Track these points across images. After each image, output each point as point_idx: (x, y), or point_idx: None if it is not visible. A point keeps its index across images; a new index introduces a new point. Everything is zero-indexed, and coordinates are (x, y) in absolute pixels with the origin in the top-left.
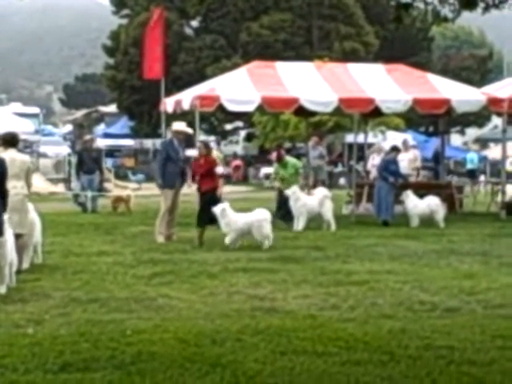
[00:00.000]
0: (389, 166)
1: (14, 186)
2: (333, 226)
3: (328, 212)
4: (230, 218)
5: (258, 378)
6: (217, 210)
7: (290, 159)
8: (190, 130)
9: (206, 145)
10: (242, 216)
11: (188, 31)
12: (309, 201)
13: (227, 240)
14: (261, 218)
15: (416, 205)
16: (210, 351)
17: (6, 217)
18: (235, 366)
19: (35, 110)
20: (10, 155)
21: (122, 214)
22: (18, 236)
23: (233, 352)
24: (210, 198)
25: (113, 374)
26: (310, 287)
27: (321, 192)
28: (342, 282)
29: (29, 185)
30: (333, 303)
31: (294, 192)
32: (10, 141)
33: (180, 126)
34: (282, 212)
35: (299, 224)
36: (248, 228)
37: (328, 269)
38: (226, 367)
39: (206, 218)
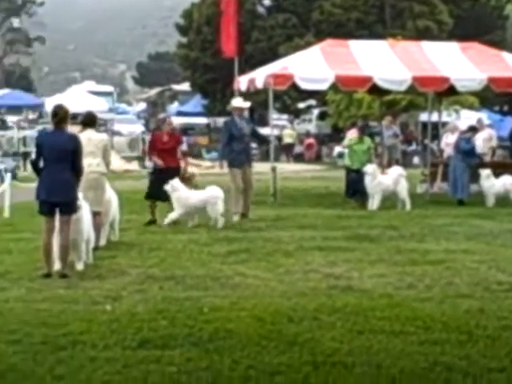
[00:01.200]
0: (464, 145)
1: (90, 164)
2: (408, 205)
3: (403, 191)
4: (181, 194)
5: (335, 356)
6: (168, 186)
7: (366, 137)
8: (247, 105)
9: (170, 122)
10: (194, 193)
11: (260, 10)
12: (384, 180)
13: (172, 215)
14: (215, 195)
15: (493, 184)
16: (286, 329)
17: (80, 195)
18: (312, 345)
19: (109, 88)
20: (87, 135)
21: None
22: (94, 214)
23: (310, 330)
24: (173, 175)
25: (191, 352)
26: (385, 266)
27: (396, 171)
28: (418, 261)
29: (107, 163)
30: (409, 282)
31: (373, 170)
32: (90, 122)
33: (238, 102)
34: (351, 190)
35: (374, 203)
36: (201, 205)
37: (403, 248)
38: (304, 345)
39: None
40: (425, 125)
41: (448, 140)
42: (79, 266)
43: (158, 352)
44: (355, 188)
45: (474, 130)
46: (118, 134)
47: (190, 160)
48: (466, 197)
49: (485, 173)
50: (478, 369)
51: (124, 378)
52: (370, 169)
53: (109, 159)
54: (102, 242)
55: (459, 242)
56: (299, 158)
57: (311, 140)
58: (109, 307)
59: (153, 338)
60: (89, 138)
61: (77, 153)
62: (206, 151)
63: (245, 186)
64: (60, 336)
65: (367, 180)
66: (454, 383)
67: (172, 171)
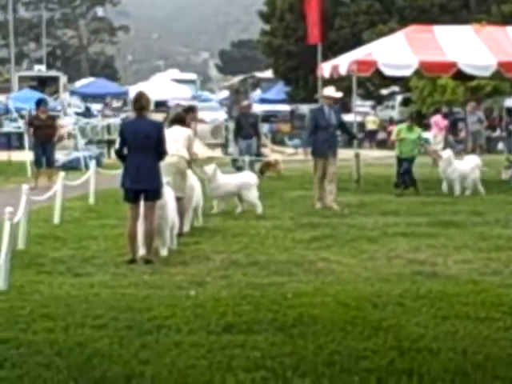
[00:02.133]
0: None
1: (169, 148)
2: (481, 190)
3: (477, 180)
4: (220, 181)
5: (420, 342)
6: (209, 170)
7: (417, 128)
8: (339, 95)
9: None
10: (230, 178)
11: None
12: (460, 166)
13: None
14: (248, 181)
15: None
16: (371, 315)
17: (165, 180)
18: (397, 330)
19: (192, 76)
20: (173, 129)
21: (276, 179)
22: (177, 199)
23: (394, 316)
24: None
25: (275, 336)
26: (470, 252)
27: (473, 160)
28: (503, 247)
29: (191, 154)
30: (494, 268)
31: (448, 156)
32: (176, 121)
33: (330, 91)
34: (400, 180)
35: (456, 189)
36: (236, 190)
37: (488, 234)
38: (389, 331)
39: None
40: (509, 110)
41: None
42: (163, 252)
43: (242, 337)
44: (403, 178)
45: None
46: (201, 121)
47: (273, 147)
48: None
49: None
50: None
51: (208, 363)
52: (445, 154)
53: (192, 151)
54: (186, 228)
55: None
56: (382, 145)
57: (394, 126)
58: (193, 292)
59: (237, 323)
60: (172, 129)
61: (161, 140)
62: (289, 138)
63: (325, 176)
64: (145, 321)
65: (442, 166)
66: None
67: None
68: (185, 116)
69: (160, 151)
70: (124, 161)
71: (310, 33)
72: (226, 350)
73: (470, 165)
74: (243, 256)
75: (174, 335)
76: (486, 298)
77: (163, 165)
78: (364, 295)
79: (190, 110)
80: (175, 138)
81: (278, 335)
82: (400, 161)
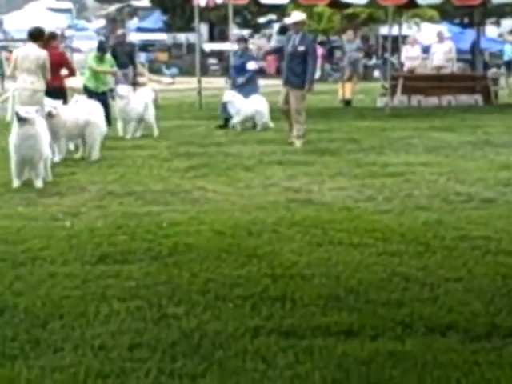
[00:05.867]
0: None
1: (24, 80)
2: (156, 132)
3: (151, 117)
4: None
5: (294, 268)
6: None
7: (107, 56)
8: (294, 18)
9: None
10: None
11: None
12: (135, 103)
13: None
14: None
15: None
16: (246, 243)
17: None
18: (271, 257)
19: (68, 4)
20: (25, 49)
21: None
22: None
23: (269, 243)
24: None
25: (150, 266)
26: (345, 179)
27: (146, 95)
28: (377, 173)
29: (46, 79)
30: (368, 195)
31: (128, 92)
32: (31, 35)
33: (292, 17)
34: None
35: (130, 130)
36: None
37: (363, 161)
38: (263, 258)
39: None
40: (385, 38)
41: (408, 54)
42: (38, 184)
43: (117, 267)
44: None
45: (243, 41)
46: (78, 50)
47: (151, 76)
48: None
49: (229, 93)
50: (435, 279)
51: (83, 293)
52: (124, 92)
53: (46, 76)
54: (56, 158)
55: (418, 155)
56: (259, 73)
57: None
58: (68, 223)
59: (112, 253)
60: (26, 54)
61: None
62: (166, 67)
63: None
64: (19, 253)
65: (121, 104)
66: (411, 293)
67: None
68: (42, 33)
69: None
70: None
71: None
72: (101, 280)
73: (143, 102)
74: (119, 186)
75: (48, 266)
76: (359, 224)
77: (18, 96)
78: (239, 223)
79: (52, 37)
80: (28, 67)
81: (152, 264)
82: (93, 95)
